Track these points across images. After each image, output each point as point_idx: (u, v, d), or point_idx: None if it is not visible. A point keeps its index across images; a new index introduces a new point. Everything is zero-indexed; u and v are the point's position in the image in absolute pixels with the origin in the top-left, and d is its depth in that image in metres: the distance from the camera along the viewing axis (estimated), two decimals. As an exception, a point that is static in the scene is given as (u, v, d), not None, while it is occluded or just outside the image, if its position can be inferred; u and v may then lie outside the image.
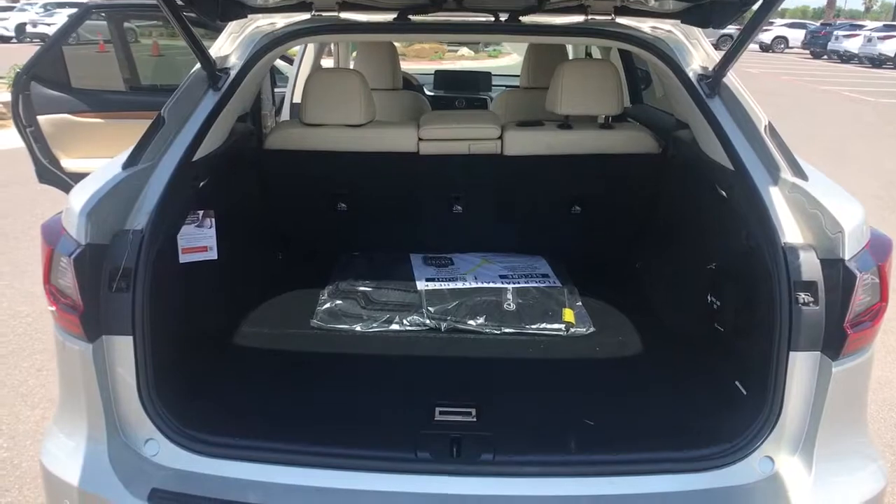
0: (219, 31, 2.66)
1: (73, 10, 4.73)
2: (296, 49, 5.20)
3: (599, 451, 1.95)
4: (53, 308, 1.92)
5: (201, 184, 2.36)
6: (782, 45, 39.50)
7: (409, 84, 5.80)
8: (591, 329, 2.72)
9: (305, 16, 2.67)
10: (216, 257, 2.41)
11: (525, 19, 2.71)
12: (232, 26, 2.60)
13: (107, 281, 1.87)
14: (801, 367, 1.84)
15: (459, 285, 2.98)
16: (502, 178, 3.24)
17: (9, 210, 6.70)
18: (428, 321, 2.73)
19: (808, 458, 1.87)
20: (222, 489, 1.82)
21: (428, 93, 6.22)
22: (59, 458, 1.93)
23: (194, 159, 2.23)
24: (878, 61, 30.00)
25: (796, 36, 39.35)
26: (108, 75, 5.00)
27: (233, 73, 2.41)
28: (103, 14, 4.99)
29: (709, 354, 2.39)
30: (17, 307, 4.65)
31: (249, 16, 2.60)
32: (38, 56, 4.47)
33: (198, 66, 2.37)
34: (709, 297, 2.49)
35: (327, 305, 2.83)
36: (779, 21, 42.17)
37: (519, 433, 2.02)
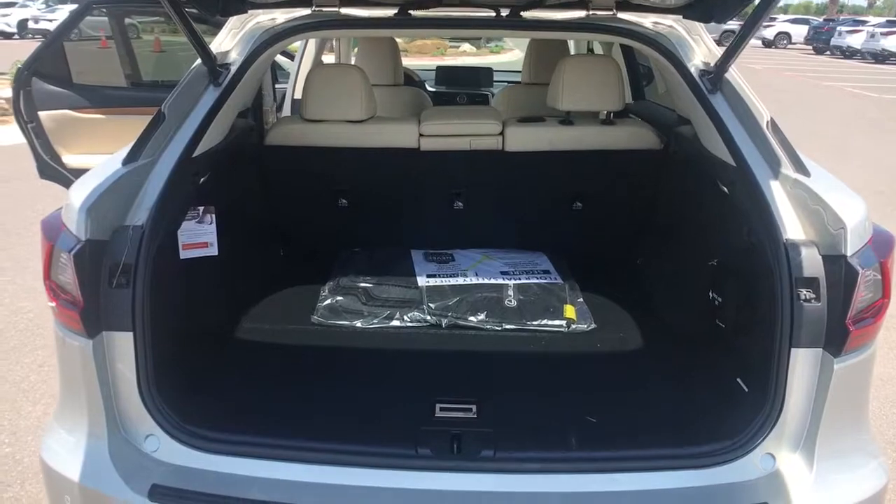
0: (219, 26, 2.65)
1: (75, 6, 4.72)
2: (297, 45, 5.20)
3: (600, 448, 1.95)
4: (53, 304, 1.92)
5: (202, 180, 2.36)
6: (785, 41, 39.40)
7: (411, 80, 5.80)
8: (593, 325, 2.71)
9: (306, 11, 2.66)
10: (216, 253, 2.41)
11: (526, 15, 2.70)
12: (232, 22, 2.59)
13: (107, 277, 1.87)
14: (802, 363, 1.84)
15: (460, 281, 2.98)
16: (503, 174, 3.23)
17: (10, 206, 6.71)
18: (429, 317, 2.72)
19: (809, 455, 1.87)
20: (222, 485, 1.82)
21: (429, 89, 6.22)
22: (60, 454, 1.93)
23: (195, 155, 2.23)
24: (881, 57, 29.90)
25: (799, 32, 39.25)
26: (109, 71, 4.99)
27: (233, 68, 2.40)
28: (104, 10, 4.99)
29: (710, 351, 2.39)
30: (19, 303, 4.66)
31: (250, 11, 2.59)
32: (40, 52, 4.47)
33: (198, 61, 2.36)
34: (710, 294, 2.48)
35: (328, 301, 2.82)
36: (781, 17, 42.06)
37: (519, 430, 2.01)
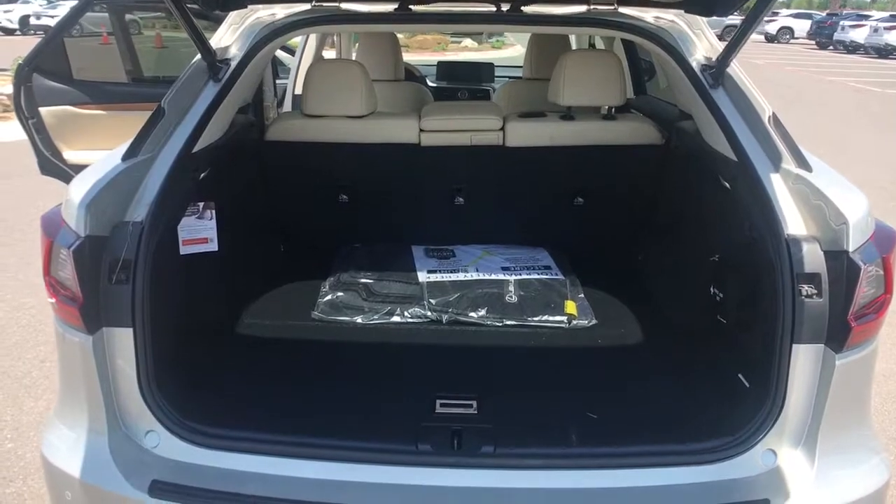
0: (220, 22, 2.64)
1: (76, 2, 4.70)
2: (297, 40, 5.19)
3: (601, 444, 1.95)
4: (53, 300, 1.92)
5: (202, 175, 2.35)
6: (788, 36, 39.28)
7: (412, 75, 5.79)
8: (594, 321, 2.70)
9: (306, 6, 2.65)
10: (216, 249, 2.41)
11: (527, 9, 2.69)
12: (232, 17, 2.58)
13: (106, 273, 1.87)
14: (804, 359, 1.83)
15: (461, 277, 2.97)
16: (504, 169, 3.23)
17: (13, 203, 6.71)
18: (429, 313, 2.72)
19: (810, 451, 1.86)
20: (223, 481, 1.82)
21: (430, 84, 6.20)
22: (60, 450, 1.93)
23: (194, 151, 2.23)
24: (884, 52, 29.82)
25: (802, 26, 39.13)
26: (110, 67, 4.98)
27: (233, 63, 2.40)
28: (105, 5, 4.98)
29: (711, 347, 2.38)
30: (21, 299, 4.67)
31: (250, 6, 2.58)
32: (40, 47, 4.46)
33: (198, 56, 2.36)
34: (711, 289, 2.48)
35: (328, 297, 2.82)
36: (784, 11, 41.95)
37: (520, 426, 2.01)
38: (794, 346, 1.83)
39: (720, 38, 2.40)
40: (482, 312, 2.71)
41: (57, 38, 4.48)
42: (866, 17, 34.29)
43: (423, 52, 19.33)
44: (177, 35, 5.83)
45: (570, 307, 2.75)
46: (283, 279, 3.02)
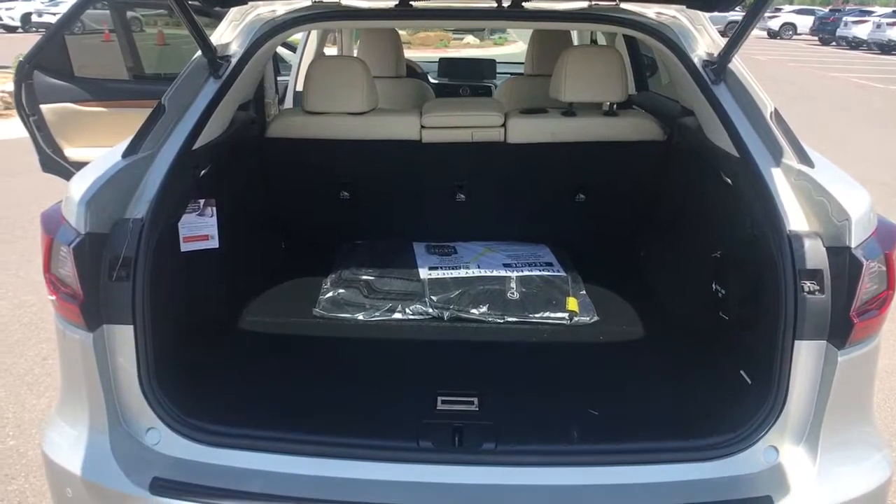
0: (221, 18, 2.64)
1: (76, -1, 4.71)
2: (299, 37, 5.18)
3: (602, 441, 1.95)
4: (54, 297, 1.92)
5: (202, 172, 2.35)
6: (790, 32, 39.19)
7: (413, 72, 5.78)
8: (595, 318, 2.70)
9: (306, 2, 2.64)
10: (217, 246, 2.40)
11: (528, 5, 2.68)
12: (233, 13, 2.58)
13: (107, 270, 1.86)
14: (806, 356, 1.83)
15: (462, 274, 2.97)
16: (506, 165, 3.22)
17: (15, 200, 6.72)
18: (431, 310, 2.72)
19: (812, 447, 1.86)
20: (223, 478, 1.82)
21: (432, 81, 6.20)
22: (62, 447, 1.93)
23: (195, 148, 2.22)
24: (887, 48, 29.75)
25: (804, 22, 39.02)
26: (112, 64, 4.98)
27: (234, 60, 2.39)
28: (106, 2, 4.97)
29: (713, 343, 2.38)
30: (23, 296, 4.67)
31: (250, 3, 2.58)
32: (41, 45, 4.46)
33: (198, 53, 2.35)
34: (713, 286, 2.47)
35: (330, 294, 2.82)
36: (787, 7, 41.84)
37: (521, 423, 2.01)
38: (797, 342, 1.82)
39: (722, 34, 2.39)
40: (484, 309, 2.71)
41: (58, 36, 4.48)
42: (869, 13, 34.22)
43: (425, 48, 19.31)
44: (179, 32, 5.83)
45: (572, 304, 2.74)
46: (285, 276, 3.01)
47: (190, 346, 2.24)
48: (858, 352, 1.84)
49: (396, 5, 2.60)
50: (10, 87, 7.24)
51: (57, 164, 4.51)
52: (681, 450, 1.88)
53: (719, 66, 2.31)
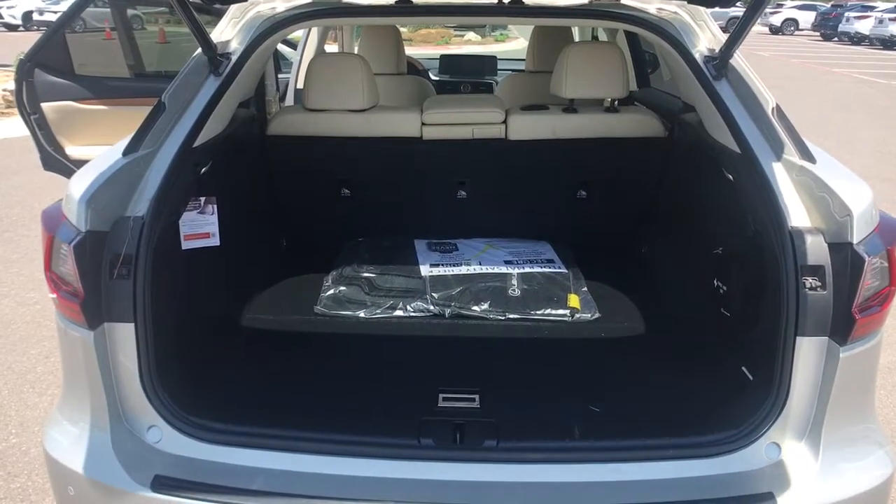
0: (221, 16, 2.64)
1: (78, -3, 4.70)
2: (299, 34, 5.18)
3: (603, 438, 1.94)
4: (55, 295, 1.91)
5: (203, 170, 2.35)
6: (792, 28, 39.08)
7: (414, 69, 5.78)
8: (597, 315, 2.70)
9: None
10: (218, 244, 2.40)
11: (529, 1, 2.68)
12: (233, 10, 2.57)
13: (107, 268, 1.86)
14: (807, 352, 1.82)
15: (464, 271, 2.96)
16: (507, 162, 3.21)
17: (18, 198, 6.73)
18: (432, 307, 2.71)
19: (814, 443, 1.85)
20: (225, 476, 1.82)
21: (433, 77, 6.19)
22: (63, 445, 1.93)
23: (195, 145, 2.22)
24: (889, 43, 29.65)
25: (807, 18, 38.88)
26: (113, 62, 4.98)
27: (234, 57, 2.39)
28: (107, 0, 4.97)
29: (715, 340, 2.37)
30: (25, 294, 4.68)
31: (250, 0, 2.58)
32: (42, 43, 4.46)
33: (199, 50, 2.35)
34: (715, 282, 2.47)
35: (331, 292, 2.82)
36: (789, 3, 41.66)
37: (523, 419, 2.01)
38: (798, 338, 1.82)
39: (724, 30, 2.38)
40: (485, 306, 2.71)
41: (59, 34, 4.48)
42: (871, 9, 34.08)
43: (427, 45, 19.28)
44: (180, 30, 5.83)
45: (573, 301, 2.74)
46: (286, 273, 3.01)
47: (191, 343, 2.24)
48: (860, 348, 1.83)
49: (397, 2, 2.59)
50: (11, 85, 7.23)
51: (58, 163, 4.51)
52: (682, 446, 1.87)
53: (721, 61, 2.31)
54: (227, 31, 2.50)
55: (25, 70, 4.34)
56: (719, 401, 2.04)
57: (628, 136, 3.14)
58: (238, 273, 2.75)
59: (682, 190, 2.97)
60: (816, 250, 1.83)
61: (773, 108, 2.17)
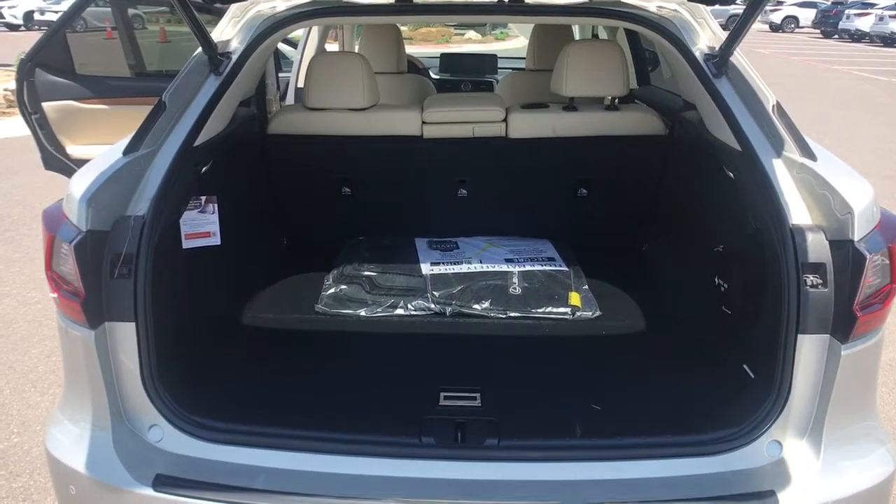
0: (221, 15, 2.64)
1: (78, -3, 4.70)
2: (300, 33, 5.18)
3: (605, 436, 1.94)
4: (55, 295, 1.92)
5: (203, 169, 2.35)
6: (792, 25, 39.02)
7: (415, 67, 5.77)
8: (598, 313, 2.69)
9: None
10: (219, 243, 2.40)
11: (529, -1, 2.68)
12: (233, 10, 2.57)
13: (108, 267, 1.86)
14: (809, 350, 1.82)
15: (464, 269, 2.96)
16: (507, 160, 3.21)
17: (20, 198, 6.73)
18: (433, 306, 2.71)
19: (816, 441, 1.85)
20: (226, 474, 1.82)
21: (434, 76, 6.19)
22: (64, 445, 1.93)
23: (196, 144, 2.22)
24: (889, 40, 29.61)
25: (807, 15, 38.82)
26: (114, 62, 4.98)
27: (234, 57, 2.39)
28: (107, 0, 4.97)
29: (716, 338, 2.37)
30: (27, 293, 4.68)
31: (250, -1, 2.58)
32: (42, 42, 4.46)
33: (199, 50, 2.35)
34: (716, 280, 2.47)
35: (332, 290, 2.82)
36: (789, 0, 41.61)
37: (524, 418, 2.01)
38: (800, 336, 1.81)
39: (724, 27, 2.38)
40: (486, 304, 2.71)
41: (60, 33, 4.48)
42: (871, 6, 34.01)
43: (427, 44, 19.29)
44: (181, 30, 5.83)
45: (574, 299, 2.74)
46: (286, 272, 3.02)
47: (192, 343, 2.24)
48: (862, 346, 1.83)
49: (397, 1, 2.59)
50: (12, 84, 7.23)
51: (59, 162, 4.51)
52: (683, 444, 1.87)
53: (721, 59, 2.30)
54: (228, 31, 2.50)
55: (26, 70, 4.34)
56: (720, 399, 2.04)
57: (629, 134, 3.14)
58: (239, 272, 2.75)
59: (682, 188, 2.97)
60: (817, 248, 1.83)
61: (773, 106, 2.17)
